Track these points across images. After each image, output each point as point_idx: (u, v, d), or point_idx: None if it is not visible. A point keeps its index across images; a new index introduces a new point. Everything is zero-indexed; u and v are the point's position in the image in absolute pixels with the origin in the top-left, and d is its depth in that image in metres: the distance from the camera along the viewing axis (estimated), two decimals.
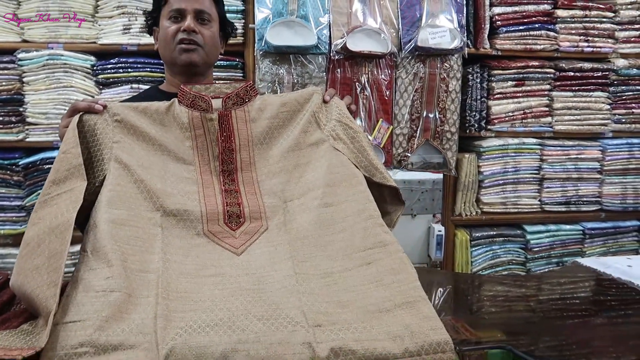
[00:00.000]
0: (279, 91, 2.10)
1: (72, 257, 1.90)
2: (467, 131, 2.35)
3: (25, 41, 2.08)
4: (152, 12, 1.48)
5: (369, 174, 1.31)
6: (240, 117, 1.30)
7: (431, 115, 2.23)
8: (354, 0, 2.12)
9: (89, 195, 1.15)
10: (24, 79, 2.07)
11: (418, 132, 2.24)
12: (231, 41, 2.14)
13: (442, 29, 2.13)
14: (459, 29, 2.16)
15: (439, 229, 2.37)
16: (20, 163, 2.09)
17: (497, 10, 2.27)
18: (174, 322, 0.93)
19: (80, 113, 1.20)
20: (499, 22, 2.28)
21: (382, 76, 2.17)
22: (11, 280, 1.01)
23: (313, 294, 1.04)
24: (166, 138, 1.25)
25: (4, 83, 2.05)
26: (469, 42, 2.28)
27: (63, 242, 0.99)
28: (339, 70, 2.14)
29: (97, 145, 1.20)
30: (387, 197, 1.36)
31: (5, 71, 2.05)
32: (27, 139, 2.11)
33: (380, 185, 1.32)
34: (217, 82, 1.32)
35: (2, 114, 2.07)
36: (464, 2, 2.21)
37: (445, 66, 2.20)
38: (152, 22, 1.50)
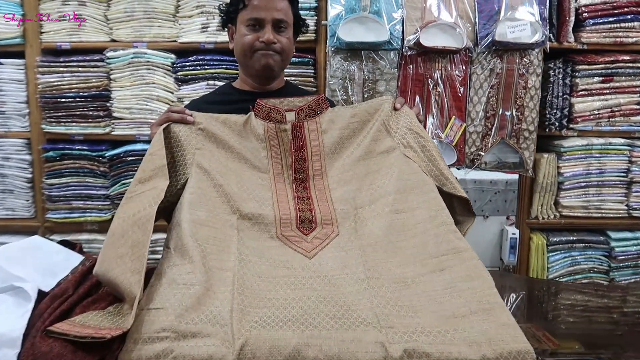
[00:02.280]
0: (349, 88, 2.10)
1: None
2: (547, 130, 2.23)
3: (113, 40, 2.22)
4: (229, 13, 1.51)
5: (440, 183, 1.30)
6: (312, 129, 1.34)
7: (508, 113, 2.13)
8: None
9: (172, 196, 1.23)
10: (111, 76, 2.21)
11: (493, 130, 2.15)
12: (303, 38, 2.17)
13: (522, 22, 2.02)
14: (540, 22, 2.04)
15: (512, 231, 2.27)
16: (106, 155, 2.24)
17: (584, 1, 2.13)
18: (249, 316, 0.97)
19: (169, 123, 1.28)
20: (586, 14, 2.13)
21: (456, 72, 2.10)
22: (95, 268, 1.08)
23: (385, 298, 1.04)
24: (243, 147, 1.32)
25: (94, 80, 2.20)
26: (551, 36, 2.15)
27: (145, 232, 1.05)
28: (411, 66, 2.10)
29: (180, 150, 1.28)
30: (456, 208, 1.35)
31: (96, 69, 2.20)
32: (113, 132, 2.25)
33: (450, 195, 1.30)
34: (290, 97, 1.37)
35: (92, 108, 2.23)
36: None
37: (525, 61, 2.10)
38: (227, 20, 1.53)
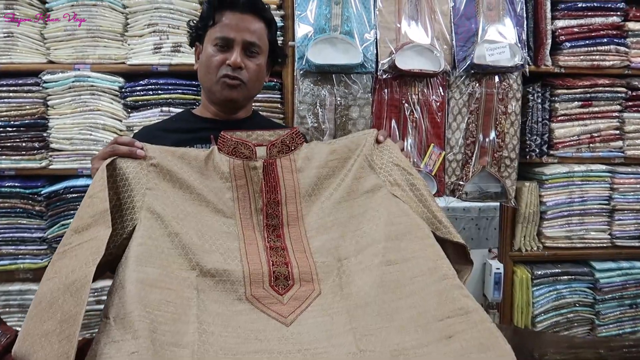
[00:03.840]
0: (320, 114, 1.92)
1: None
2: (527, 157, 2.11)
3: (51, 62, 1.95)
4: (198, 29, 1.32)
5: (432, 228, 1.12)
6: (286, 167, 1.15)
7: (488, 140, 2.01)
8: (403, 15, 1.94)
9: (116, 248, 1.00)
10: (49, 102, 1.94)
11: (473, 158, 2.01)
12: None
13: (501, 45, 1.92)
14: (519, 44, 1.94)
15: (496, 266, 2.12)
16: (42, 192, 1.94)
17: (560, 23, 2.05)
18: None
19: (114, 157, 1.05)
20: (563, 37, 2.05)
21: (434, 97, 1.96)
22: (15, 346, 0.83)
23: None
24: (205, 187, 1.10)
25: (27, 107, 1.92)
26: (529, 59, 2.06)
27: (79, 302, 0.82)
28: (385, 90, 1.95)
29: (127, 191, 1.05)
30: (450, 255, 1.16)
31: (30, 94, 1.92)
32: (51, 167, 1.97)
33: (443, 240, 1.12)
34: (258, 130, 1.18)
35: (26, 139, 1.94)
36: (525, 14, 2.00)
37: (504, 85, 1.99)
38: (195, 37, 1.34)
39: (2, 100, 1.91)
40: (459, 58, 1.95)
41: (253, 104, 1.99)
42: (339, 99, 1.93)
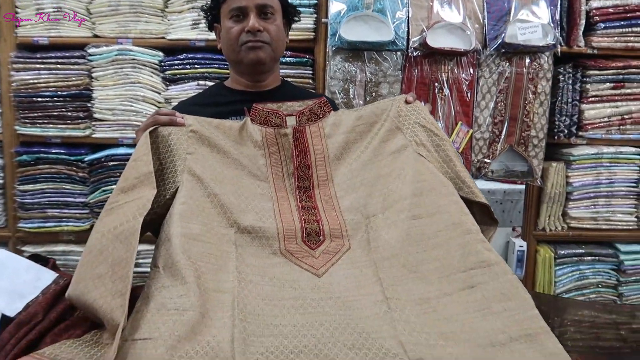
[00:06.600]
0: (350, 90, 1.97)
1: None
2: (556, 137, 2.13)
3: (96, 36, 2.05)
4: (211, 9, 1.38)
5: (456, 187, 1.17)
6: (315, 133, 1.22)
7: (516, 119, 2.03)
8: None
9: (160, 207, 1.09)
10: (93, 75, 2.04)
11: (501, 137, 2.04)
12: (301, 37, 2.04)
13: (534, 24, 1.93)
14: (552, 24, 1.95)
15: (520, 244, 2.15)
16: (85, 159, 2.06)
17: (595, 4, 2.04)
18: (253, 347, 0.82)
19: (157, 126, 1.14)
20: (597, 18, 2.04)
21: (463, 75, 1.99)
22: (69, 290, 0.91)
23: (409, 323, 0.90)
24: (240, 154, 1.19)
25: (73, 78, 2.03)
26: (561, 40, 2.06)
27: (129, 248, 0.90)
28: (416, 68, 1.98)
29: (170, 155, 1.14)
30: (476, 215, 1.21)
31: (76, 66, 2.03)
32: (93, 135, 2.08)
33: (468, 201, 1.17)
34: (288, 101, 1.24)
35: (71, 109, 2.05)
36: None
37: (535, 65, 2.00)
38: (212, 19, 1.40)
39: (50, 71, 2.02)
40: (491, 37, 1.96)
41: (285, 79, 2.06)
42: (369, 75, 1.98)
